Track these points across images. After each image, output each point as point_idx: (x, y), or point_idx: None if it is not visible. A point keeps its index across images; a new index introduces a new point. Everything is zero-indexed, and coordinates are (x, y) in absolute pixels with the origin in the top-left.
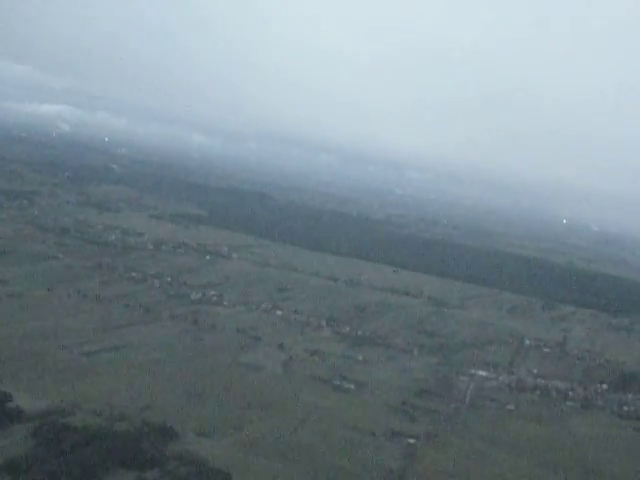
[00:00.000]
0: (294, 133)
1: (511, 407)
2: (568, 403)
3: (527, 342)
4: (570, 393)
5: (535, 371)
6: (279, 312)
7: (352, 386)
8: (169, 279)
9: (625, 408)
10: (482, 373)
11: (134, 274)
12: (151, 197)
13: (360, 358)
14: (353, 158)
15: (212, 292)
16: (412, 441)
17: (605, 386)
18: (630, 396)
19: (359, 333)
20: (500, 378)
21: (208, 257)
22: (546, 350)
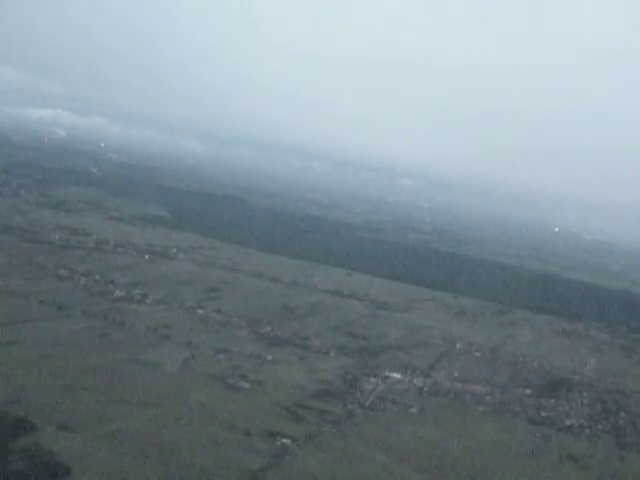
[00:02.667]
0: (288, 141)
1: (414, 410)
2: (479, 408)
3: (459, 346)
4: (486, 397)
5: (456, 374)
6: (201, 311)
7: (247, 385)
8: (97, 277)
9: (542, 414)
10: (396, 376)
11: (62, 272)
12: (119, 200)
13: (269, 358)
14: (347, 165)
15: (138, 291)
16: (287, 442)
17: (529, 391)
18: (553, 402)
19: (279, 333)
20: (414, 381)
21: (147, 257)
22: (477, 354)
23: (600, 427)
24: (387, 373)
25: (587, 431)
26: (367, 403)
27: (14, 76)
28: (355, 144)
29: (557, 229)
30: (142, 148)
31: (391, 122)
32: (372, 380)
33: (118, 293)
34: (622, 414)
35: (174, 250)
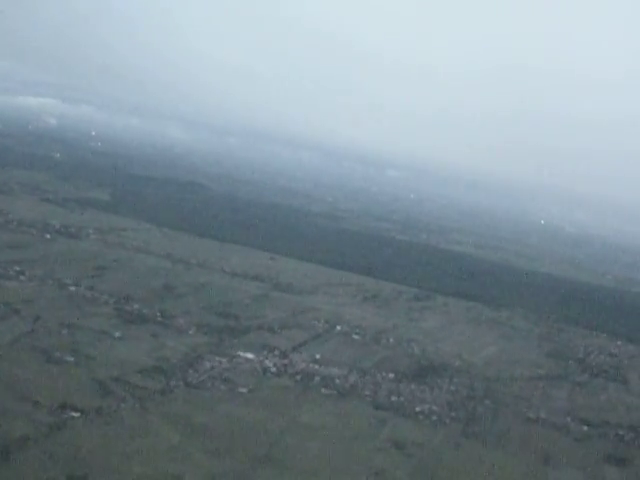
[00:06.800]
0: (279, 130)
1: (243, 390)
2: (323, 390)
3: (339, 328)
4: (337, 380)
5: (318, 357)
6: (73, 288)
7: (72, 359)
8: None
9: (393, 399)
10: (248, 356)
11: None
12: (63, 183)
13: (117, 335)
14: (335, 156)
15: (16, 267)
16: (76, 415)
17: (392, 375)
18: (412, 387)
19: (144, 311)
20: (265, 362)
21: (48, 236)
22: (355, 337)
23: (453, 414)
24: (239, 353)
25: (434, 418)
26: (194, 381)
27: (4, 64)
28: (344, 135)
29: (543, 221)
30: (130, 136)
31: (382, 115)
32: (217, 359)
33: None
34: (487, 402)
35: (90, 231)
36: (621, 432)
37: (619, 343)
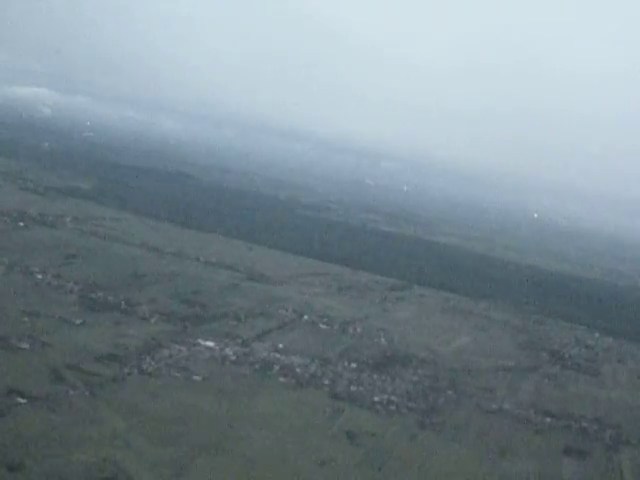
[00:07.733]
0: (274, 122)
1: (198, 378)
2: (281, 379)
3: (306, 318)
4: (297, 369)
5: (281, 346)
6: (39, 276)
7: (27, 346)
8: None
9: (352, 388)
10: (209, 344)
11: None
12: (46, 172)
13: (78, 322)
14: (331, 148)
15: None
16: (22, 401)
17: (354, 365)
18: (374, 377)
19: (109, 299)
20: (226, 350)
21: (21, 224)
22: (322, 327)
23: (412, 404)
24: (200, 341)
25: (392, 408)
26: (149, 369)
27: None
28: (340, 127)
29: (536, 215)
30: (126, 127)
31: (378, 107)
32: (176, 347)
33: None
34: (450, 393)
35: (67, 220)
36: (585, 424)
37: (597, 335)
